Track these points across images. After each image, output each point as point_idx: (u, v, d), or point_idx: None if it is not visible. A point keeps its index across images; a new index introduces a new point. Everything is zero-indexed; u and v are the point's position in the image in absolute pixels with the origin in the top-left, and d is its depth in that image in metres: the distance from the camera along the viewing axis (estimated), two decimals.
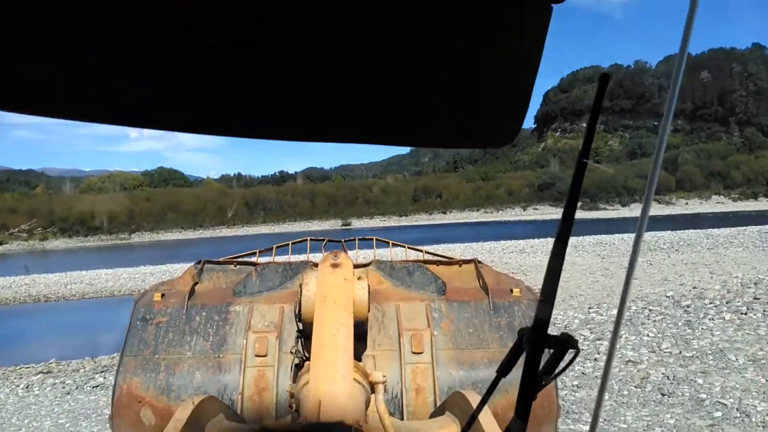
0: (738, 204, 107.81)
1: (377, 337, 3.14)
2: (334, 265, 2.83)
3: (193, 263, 3.68)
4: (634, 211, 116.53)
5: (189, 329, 3.10)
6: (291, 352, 3.00)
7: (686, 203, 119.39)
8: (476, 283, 3.58)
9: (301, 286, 2.90)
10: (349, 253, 3.51)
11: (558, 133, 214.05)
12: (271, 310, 3.23)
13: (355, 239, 4.79)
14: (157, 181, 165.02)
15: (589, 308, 14.07)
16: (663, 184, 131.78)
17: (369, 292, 2.92)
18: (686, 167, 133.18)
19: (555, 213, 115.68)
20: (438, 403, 2.83)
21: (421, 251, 4.50)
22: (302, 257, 4.10)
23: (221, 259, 3.76)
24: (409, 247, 4.60)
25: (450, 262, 3.84)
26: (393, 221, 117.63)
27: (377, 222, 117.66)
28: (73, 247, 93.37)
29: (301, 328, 3.01)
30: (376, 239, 4.76)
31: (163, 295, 3.25)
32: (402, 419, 2.81)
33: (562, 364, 0.93)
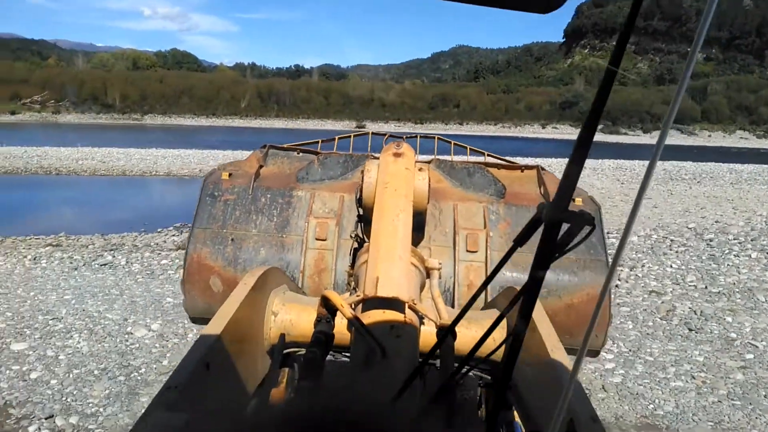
0: (762, 141, 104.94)
1: (433, 233, 3.20)
2: (397, 154, 2.85)
3: (258, 148, 3.80)
4: (655, 138, 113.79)
5: (254, 209, 3.24)
6: (350, 237, 3.12)
7: (709, 135, 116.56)
8: (537, 189, 3.54)
9: (363, 172, 2.94)
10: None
11: (587, 50, 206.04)
12: (332, 198, 3.30)
13: (416, 136, 4.73)
14: (170, 63, 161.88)
15: (607, 232, 13.65)
16: (687, 113, 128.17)
17: (429, 183, 2.90)
18: (714, 98, 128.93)
19: (574, 133, 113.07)
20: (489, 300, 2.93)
21: (483, 153, 4.45)
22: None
23: (285, 145, 3.88)
24: (471, 149, 4.57)
25: (512, 166, 3.79)
26: (408, 127, 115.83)
27: (391, 127, 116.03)
28: (86, 123, 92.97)
29: (361, 213, 3.12)
30: (438, 138, 4.68)
31: (230, 175, 3.37)
32: None
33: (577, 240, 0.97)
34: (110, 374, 5.48)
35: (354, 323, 1.75)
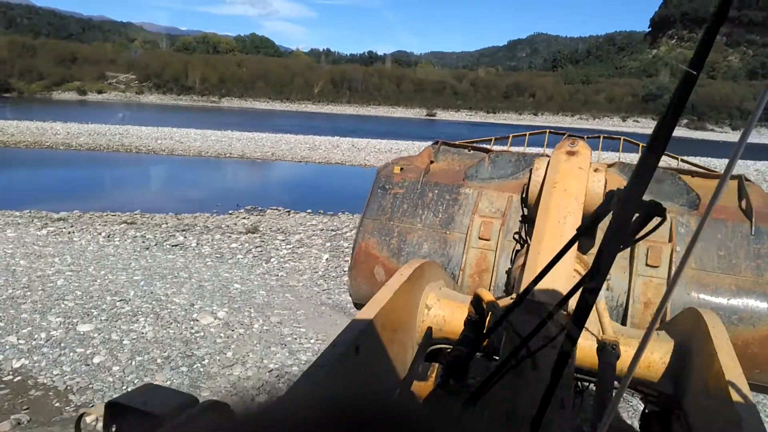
0: None
1: None
2: (570, 153, 2.68)
3: (430, 143, 3.79)
4: (760, 137, 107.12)
5: (421, 203, 3.27)
6: (513, 238, 3.04)
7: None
8: (739, 201, 3.20)
9: (531, 170, 2.84)
10: (592, 152, 3.17)
11: (674, 41, 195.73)
12: (500, 198, 3.23)
13: (599, 137, 4.53)
14: (248, 47, 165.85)
15: None
16: None
17: (605, 186, 2.66)
18: None
19: None
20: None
21: (676, 158, 4.19)
22: (536, 150, 4.06)
23: (457, 142, 3.86)
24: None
25: (709, 174, 3.45)
26: (480, 117, 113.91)
27: (463, 116, 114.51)
28: (167, 104, 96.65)
29: (526, 213, 3.04)
30: (624, 139, 4.39)
31: (401, 169, 3.43)
32: None
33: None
34: (173, 364, 5.23)
35: (505, 327, 1.67)
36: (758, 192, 3.17)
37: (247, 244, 10.19)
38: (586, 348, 1.99)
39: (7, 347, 5.27)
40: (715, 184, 3.04)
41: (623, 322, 2.76)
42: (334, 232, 11.78)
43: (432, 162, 3.54)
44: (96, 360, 5.23)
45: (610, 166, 3.26)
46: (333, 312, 6.85)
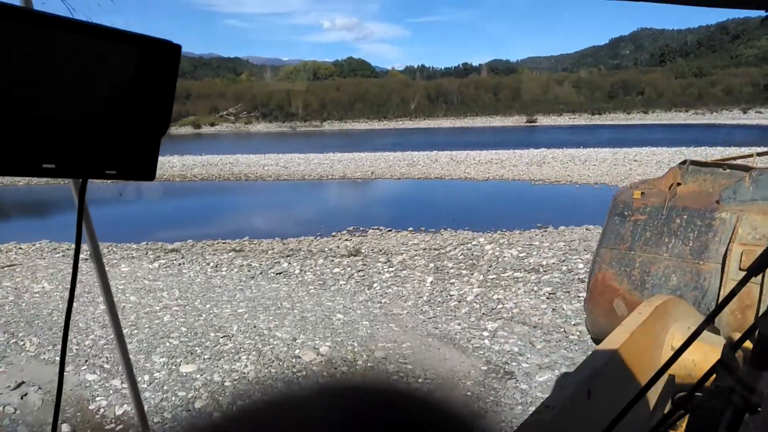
0: None
1: None
2: None
3: (676, 165, 3.45)
4: None
5: (667, 230, 3.01)
6: None
7: None
8: None
9: None
10: None
11: None
12: (765, 222, 2.85)
13: None
14: (346, 70, 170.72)
15: None
16: None
17: None
18: None
19: None
20: None
21: None
22: None
23: (710, 161, 3.48)
24: None
25: None
26: (584, 119, 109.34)
27: (565, 120, 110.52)
28: (273, 132, 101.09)
29: None
30: None
31: (642, 194, 3.22)
32: None
33: None
34: (274, 408, 4.92)
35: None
36: None
37: (349, 269, 9.91)
38: None
39: (111, 392, 5.21)
40: None
41: None
42: (437, 251, 11.27)
43: (679, 184, 3.22)
44: (198, 404, 5.04)
45: None
46: (441, 344, 6.32)
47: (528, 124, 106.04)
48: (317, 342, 6.27)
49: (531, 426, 1.37)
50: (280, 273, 9.79)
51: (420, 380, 5.38)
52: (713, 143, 37.92)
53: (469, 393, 5.20)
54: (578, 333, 6.57)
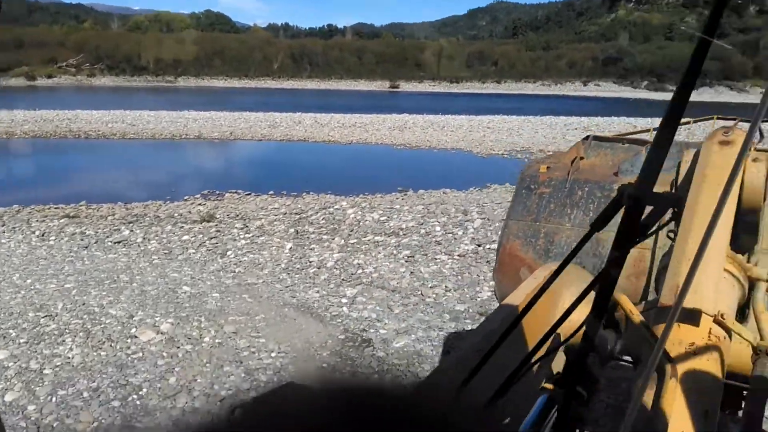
0: None
1: None
2: (723, 143, 2.39)
3: (580, 139, 3.59)
4: (702, 95, 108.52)
5: (570, 202, 3.15)
6: (668, 236, 2.72)
7: (761, 92, 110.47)
8: None
9: (679, 163, 2.68)
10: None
11: (632, 4, 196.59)
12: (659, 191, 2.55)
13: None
14: (203, 24, 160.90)
15: None
16: (737, 68, 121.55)
17: (767, 177, 2.44)
18: (766, 52, 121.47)
19: (618, 91, 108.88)
20: None
21: None
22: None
23: (610, 135, 3.70)
24: None
25: None
26: (443, 87, 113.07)
27: (426, 87, 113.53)
28: (121, 86, 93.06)
29: (676, 210, 2.64)
30: None
31: (548, 168, 3.34)
32: None
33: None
34: (103, 397, 4.31)
35: (644, 334, 1.64)
36: None
37: (201, 236, 9.20)
38: (742, 355, 1.86)
39: None
40: None
41: None
42: (298, 216, 10.87)
43: (581, 158, 3.33)
44: (8, 398, 4.28)
45: None
46: (298, 314, 6.00)
47: (391, 90, 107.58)
48: (158, 319, 5.64)
49: (425, 388, 1.36)
50: (119, 242, 8.83)
51: (273, 354, 5.03)
52: (560, 112, 40.86)
53: (325, 365, 4.95)
54: (434, 296, 6.58)
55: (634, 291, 2.81)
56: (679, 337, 1.64)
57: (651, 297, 2.79)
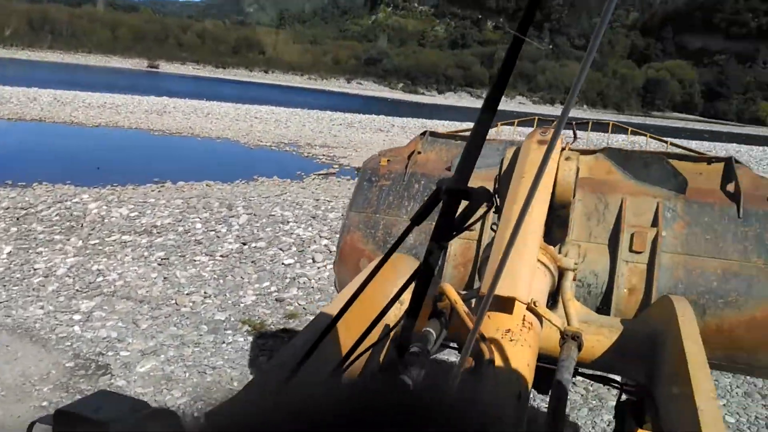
0: (537, 106, 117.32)
1: (594, 229, 2.97)
2: (541, 142, 2.63)
3: (418, 135, 3.60)
4: (448, 99, 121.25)
5: (407, 194, 3.22)
6: (491, 229, 2.97)
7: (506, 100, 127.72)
8: (727, 184, 3.17)
9: (502, 160, 2.93)
10: (581, 136, 3.41)
11: (390, 8, 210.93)
12: (485, 186, 2.08)
13: (589, 122, 4.37)
14: None
15: None
16: (476, 77, 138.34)
17: (577, 175, 2.73)
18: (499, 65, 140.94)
19: (377, 90, 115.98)
20: None
21: (666, 142, 4.08)
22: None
23: (445, 132, 3.75)
24: (650, 136, 4.30)
25: (699, 157, 3.41)
26: (208, 71, 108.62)
27: (189, 69, 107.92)
28: None
29: (498, 204, 2.92)
30: (613, 123, 4.41)
31: (388, 161, 3.40)
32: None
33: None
34: None
35: (465, 322, 1.73)
36: (747, 174, 3.08)
37: None
38: (552, 339, 2.03)
39: None
40: (702, 166, 3.17)
41: (607, 310, 2.79)
42: (24, 211, 9.09)
43: (419, 153, 3.42)
44: None
45: (599, 151, 3.24)
46: (12, 339, 4.79)
47: (149, 69, 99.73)
48: None
49: (263, 376, 1.37)
50: None
51: None
52: (323, 107, 41.79)
53: (44, 403, 3.98)
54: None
55: (460, 279, 2.94)
56: (496, 324, 1.72)
57: (477, 286, 2.86)
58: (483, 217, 1.02)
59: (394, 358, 1.72)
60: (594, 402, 4.64)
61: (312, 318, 1.62)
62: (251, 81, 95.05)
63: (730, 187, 3.09)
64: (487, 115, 0.93)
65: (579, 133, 3.59)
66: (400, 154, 3.49)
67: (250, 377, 4.40)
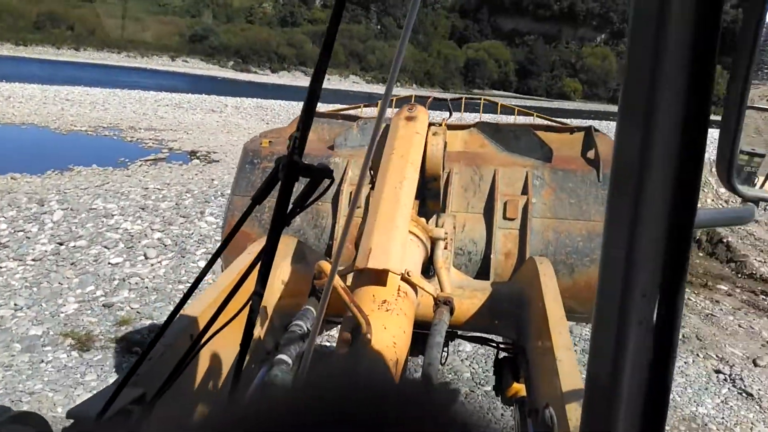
0: (371, 86, 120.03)
1: (471, 200, 3.17)
2: (409, 118, 2.73)
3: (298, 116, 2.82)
4: (283, 78, 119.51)
5: None
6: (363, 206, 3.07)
7: (328, 79, 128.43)
8: (587, 151, 3.42)
9: (373, 136, 2.47)
10: (455, 114, 3.59)
11: None
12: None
13: (462, 98, 4.48)
14: None
15: None
16: (309, 56, 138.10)
17: (445, 149, 2.80)
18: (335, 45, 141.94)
19: (206, 69, 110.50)
20: None
21: (532, 115, 4.33)
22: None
23: (326, 111, 3.86)
24: (519, 110, 4.50)
25: (562, 128, 3.67)
26: (7, 49, 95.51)
27: None
28: None
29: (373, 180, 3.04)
30: (484, 100, 4.60)
31: (270, 142, 3.40)
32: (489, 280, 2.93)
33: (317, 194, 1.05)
34: None
35: (342, 296, 1.77)
36: (606, 141, 3.27)
37: None
38: (427, 306, 2.10)
39: None
40: (566, 136, 3.43)
41: (487, 274, 2.92)
42: None
43: None
44: None
45: (473, 126, 3.38)
46: None
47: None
48: None
49: (138, 377, 1.35)
50: None
51: None
52: (146, 87, 38.88)
53: None
54: None
55: (350, 257, 3.00)
56: (373, 296, 1.76)
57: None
58: (323, 193, 1.01)
59: (277, 339, 1.75)
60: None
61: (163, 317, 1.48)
62: (60, 60, 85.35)
63: (590, 154, 3.32)
64: (313, 95, 0.92)
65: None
66: (282, 135, 3.48)
67: (78, 400, 3.88)
